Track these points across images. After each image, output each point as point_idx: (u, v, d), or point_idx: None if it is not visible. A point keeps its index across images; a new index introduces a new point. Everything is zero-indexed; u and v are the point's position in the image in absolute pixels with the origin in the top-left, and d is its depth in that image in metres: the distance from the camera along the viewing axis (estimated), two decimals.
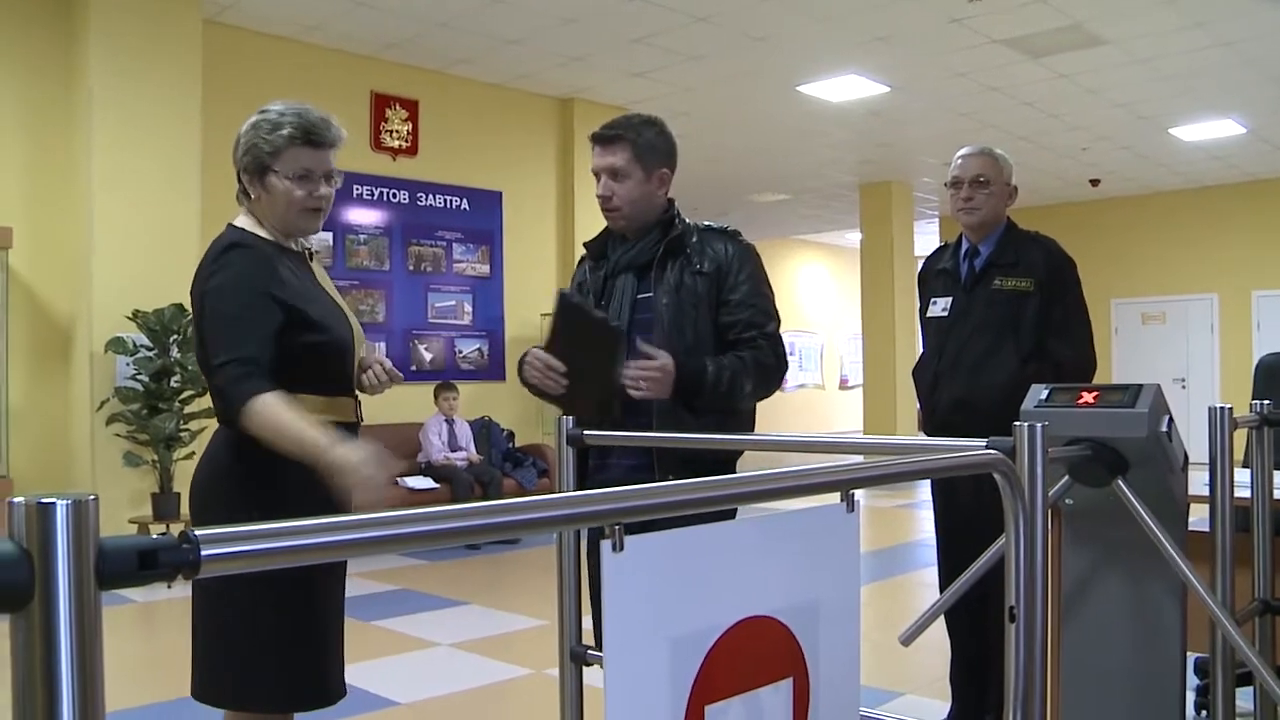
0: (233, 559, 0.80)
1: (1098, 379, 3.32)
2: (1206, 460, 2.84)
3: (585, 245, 3.05)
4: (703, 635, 1.24)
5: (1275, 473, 3.20)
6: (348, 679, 4.48)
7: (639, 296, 2.83)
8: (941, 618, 3.74)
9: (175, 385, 6.66)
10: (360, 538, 0.92)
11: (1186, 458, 2.73)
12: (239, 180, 2.51)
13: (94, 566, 0.71)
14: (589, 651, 2.55)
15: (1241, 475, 3.09)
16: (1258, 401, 3.08)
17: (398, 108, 8.78)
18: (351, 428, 2.55)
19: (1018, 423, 1.89)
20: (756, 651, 1.31)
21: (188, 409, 6.70)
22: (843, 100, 10.21)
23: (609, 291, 2.88)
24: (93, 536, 0.71)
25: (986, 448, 1.91)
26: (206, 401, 6.70)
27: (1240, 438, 3.01)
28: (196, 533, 0.78)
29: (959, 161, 3.65)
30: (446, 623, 5.64)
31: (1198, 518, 2.99)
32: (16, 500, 0.70)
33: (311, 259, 2.61)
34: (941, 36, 8.42)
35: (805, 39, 8.44)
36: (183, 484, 6.80)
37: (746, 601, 1.29)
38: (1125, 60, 9.00)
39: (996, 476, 1.76)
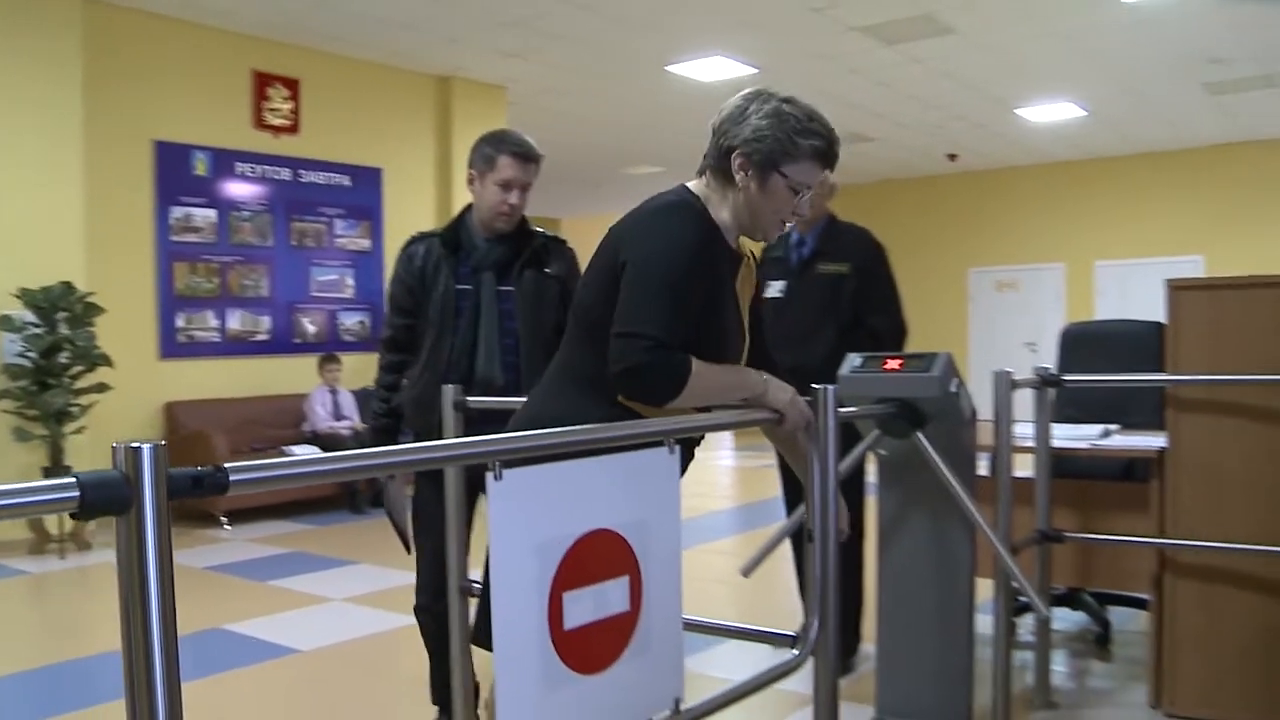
0: (251, 484, 1.23)
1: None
2: (994, 416, 3.39)
3: (440, 234, 3.45)
4: (561, 541, 1.71)
5: (1060, 425, 3.79)
6: (249, 633, 4.85)
7: (500, 289, 3.35)
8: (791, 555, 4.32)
9: (65, 361, 6.84)
10: (319, 469, 1.35)
11: (975, 413, 3.28)
12: (722, 156, 2.30)
13: (166, 486, 1.13)
14: (473, 584, 2.99)
15: (1030, 428, 3.67)
16: (1040, 366, 3.64)
17: (279, 86, 8.97)
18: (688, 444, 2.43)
19: (819, 386, 2.36)
20: (601, 555, 1.78)
21: (77, 384, 6.88)
22: (712, 80, 10.67)
23: (477, 283, 3.35)
24: (164, 467, 1.13)
25: None
26: (97, 376, 6.93)
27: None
28: (226, 465, 1.20)
29: None
30: (337, 580, 6.00)
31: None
32: (117, 445, 1.11)
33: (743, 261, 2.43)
34: (803, 23, 8.94)
35: (673, 23, 8.86)
36: (73, 457, 6.99)
37: (593, 518, 1.76)
38: (972, 47, 9.65)
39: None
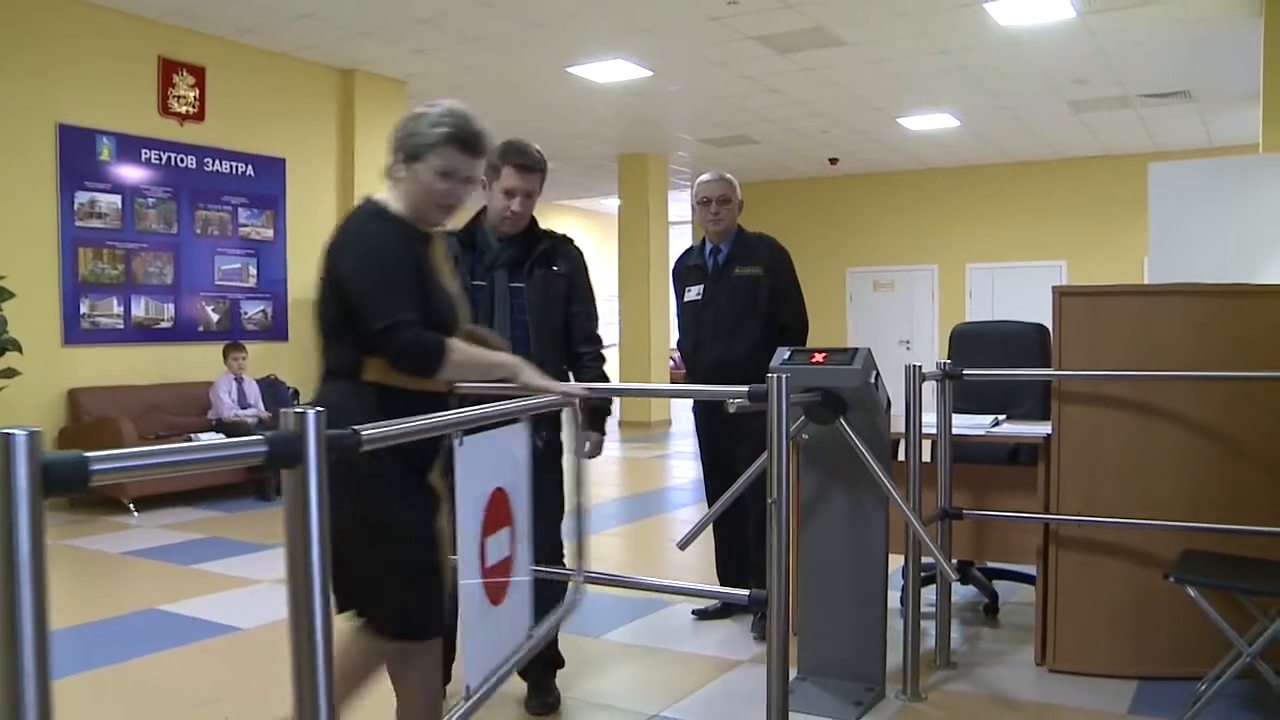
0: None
1: (832, 339, 4.34)
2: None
3: (456, 233, 3.67)
4: (485, 493, 2.22)
5: (955, 415, 4.20)
6: (187, 613, 4.98)
7: (512, 285, 3.62)
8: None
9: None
10: (438, 424, 1.63)
11: (889, 402, 3.66)
12: (392, 157, 2.71)
13: (326, 445, 1.40)
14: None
15: (932, 416, 4.07)
16: (941, 360, 4.05)
17: (185, 73, 8.97)
18: (440, 397, 2.70)
19: (770, 374, 2.71)
20: (500, 508, 2.30)
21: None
22: (609, 81, 10.99)
23: (488, 280, 3.62)
24: (324, 429, 1.40)
25: (749, 394, 2.74)
26: (5, 361, 6.90)
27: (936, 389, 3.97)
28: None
29: (706, 185, 4.79)
30: (260, 563, 6.14)
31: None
32: (285, 410, 1.38)
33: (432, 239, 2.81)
34: (701, 31, 9.31)
35: (577, 26, 9.14)
36: None
37: (498, 477, 2.29)
38: (860, 59, 10.16)
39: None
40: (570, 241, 3.78)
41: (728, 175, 4.79)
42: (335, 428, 2.79)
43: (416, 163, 2.64)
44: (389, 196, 2.71)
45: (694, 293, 4.79)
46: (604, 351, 3.78)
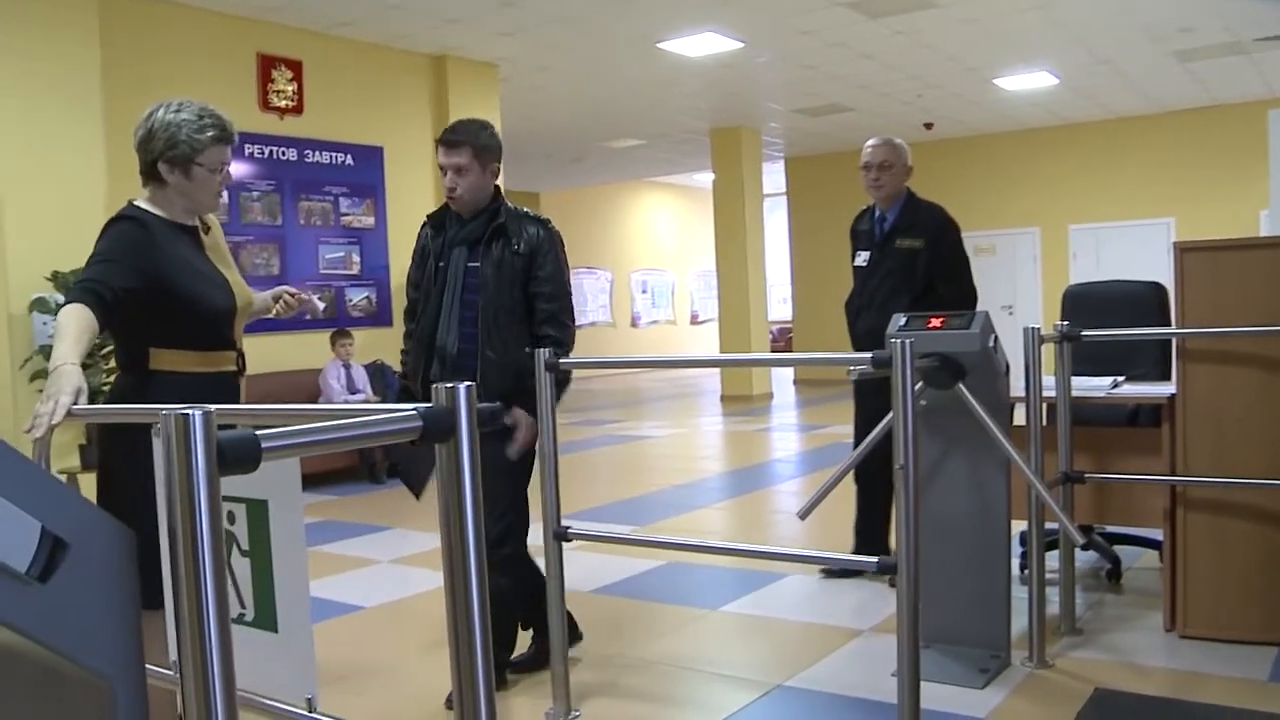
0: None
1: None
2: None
3: (429, 217, 3.83)
4: None
5: (1073, 377, 4.12)
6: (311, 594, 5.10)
7: (469, 264, 3.64)
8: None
9: (97, 341, 7.02)
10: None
11: (1008, 367, 3.61)
12: (151, 167, 2.90)
13: (476, 418, 1.42)
14: (568, 530, 3.30)
15: (1049, 379, 3.99)
16: (1059, 323, 3.97)
17: (283, 68, 9.15)
18: (228, 377, 3.00)
19: (890, 339, 2.68)
20: None
21: (110, 364, 7.09)
22: (699, 55, 10.93)
23: (448, 258, 3.67)
24: (475, 404, 1.42)
25: (872, 360, 2.72)
26: None
27: (1049, 351, 3.90)
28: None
29: (868, 150, 4.79)
30: (378, 544, 6.28)
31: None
32: (437, 385, 1.41)
33: (208, 231, 3.06)
34: None
35: (664, 1, 9.11)
36: None
37: None
38: (954, 20, 9.96)
39: None
40: (539, 220, 3.70)
41: (896, 140, 4.80)
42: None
43: (190, 165, 2.87)
44: (152, 198, 2.94)
45: (861, 258, 4.86)
46: (567, 338, 3.60)
